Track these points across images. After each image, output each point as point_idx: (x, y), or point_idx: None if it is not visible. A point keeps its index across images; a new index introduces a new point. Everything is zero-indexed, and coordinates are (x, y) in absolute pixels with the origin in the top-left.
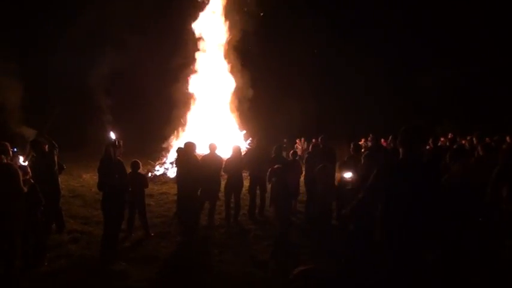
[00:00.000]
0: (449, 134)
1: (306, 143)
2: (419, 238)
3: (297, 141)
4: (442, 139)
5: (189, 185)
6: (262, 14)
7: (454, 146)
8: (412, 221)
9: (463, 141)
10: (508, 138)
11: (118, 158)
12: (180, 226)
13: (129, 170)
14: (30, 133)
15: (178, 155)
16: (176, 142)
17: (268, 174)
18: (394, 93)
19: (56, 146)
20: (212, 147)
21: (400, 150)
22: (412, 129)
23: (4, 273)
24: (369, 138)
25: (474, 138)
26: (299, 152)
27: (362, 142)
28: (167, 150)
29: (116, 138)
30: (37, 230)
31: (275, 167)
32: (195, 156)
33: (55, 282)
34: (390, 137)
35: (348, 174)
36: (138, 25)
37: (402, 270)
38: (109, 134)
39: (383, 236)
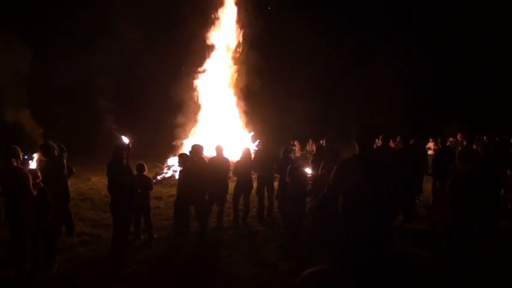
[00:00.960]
0: (458, 135)
1: (314, 144)
2: (375, 227)
3: (293, 142)
4: (451, 139)
5: (187, 189)
6: (269, 8)
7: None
8: (368, 211)
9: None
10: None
11: (126, 161)
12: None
13: (134, 172)
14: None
15: (180, 159)
16: (187, 141)
17: (288, 172)
18: (403, 93)
19: (65, 149)
20: (219, 150)
21: (356, 146)
22: (364, 128)
23: (14, 276)
24: (379, 139)
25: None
26: (298, 154)
27: None
28: (176, 152)
29: (129, 142)
30: (47, 233)
31: (294, 166)
32: (203, 158)
33: (65, 284)
34: (399, 138)
35: (308, 170)
36: (147, 27)
37: (362, 260)
38: (121, 137)
39: (344, 226)
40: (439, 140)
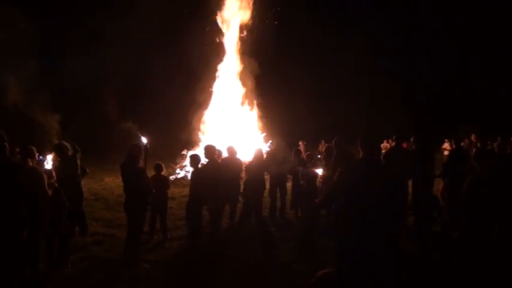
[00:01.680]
0: (472, 136)
1: (326, 145)
2: (376, 228)
3: (299, 143)
4: (466, 140)
5: (199, 189)
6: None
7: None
8: (368, 213)
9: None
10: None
11: (141, 162)
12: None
13: (152, 172)
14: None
15: (191, 160)
16: (202, 138)
17: (300, 174)
18: (416, 93)
19: (79, 150)
20: (231, 150)
21: (361, 152)
22: (371, 136)
23: (28, 275)
24: (392, 139)
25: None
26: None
27: (384, 144)
28: (188, 153)
29: (147, 142)
30: (61, 232)
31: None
32: (215, 159)
33: (79, 284)
34: (412, 138)
35: (319, 171)
36: (160, 28)
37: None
38: (140, 137)
39: (343, 226)
40: (452, 141)
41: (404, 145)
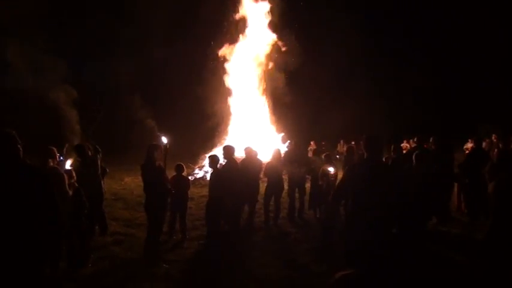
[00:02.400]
0: (493, 136)
1: (345, 145)
2: (380, 224)
3: (311, 143)
4: (487, 140)
5: (218, 190)
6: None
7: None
8: (371, 210)
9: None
10: None
11: (159, 162)
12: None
13: (172, 172)
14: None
15: (210, 160)
16: (225, 137)
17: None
18: (437, 92)
19: (100, 150)
20: (249, 151)
21: (365, 153)
22: (376, 138)
23: (49, 274)
24: (413, 140)
25: None
26: (310, 154)
27: (404, 144)
28: (208, 153)
29: (167, 142)
30: (81, 232)
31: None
32: (234, 159)
33: (99, 283)
34: (432, 139)
35: (331, 169)
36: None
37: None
38: (160, 137)
39: (351, 226)
40: (471, 141)
41: (425, 145)
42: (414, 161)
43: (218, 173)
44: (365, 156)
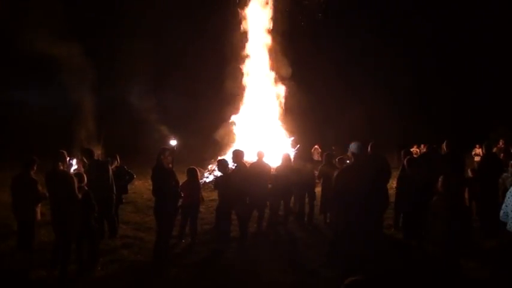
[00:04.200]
0: (501, 141)
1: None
2: (366, 219)
3: (315, 146)
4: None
5: (228, 194)
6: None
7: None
8: (360, 209)
9: None
10: None
11: (169, 165)
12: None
13: (182, 176)
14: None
15: (219, 165)
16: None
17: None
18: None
19: (117, 157)
20: (260, 155)
21: (352, 157)
22: (360, 145)
23: (58, 277)
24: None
25: None
26: (315, 158)
27: (414, 149)
28: (217, 157)
29: (176, 144)
30: (91, 235)
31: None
32: (244, 163)
33: (107, 286)
34: (445, 142)
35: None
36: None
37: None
38: (169, 140)
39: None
40: (478, 146)
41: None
42: (406, 166)
43: (228, 177)
44: (353, 161)
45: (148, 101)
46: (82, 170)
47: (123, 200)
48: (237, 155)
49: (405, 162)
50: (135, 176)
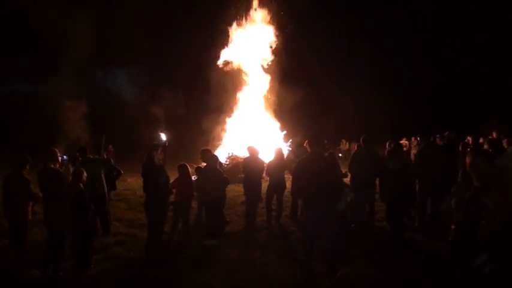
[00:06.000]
0: (494, 133)
1: (347, 144)
2: (325, 207)
3: (307, 141)
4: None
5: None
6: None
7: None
8: (316, 194)
9: None
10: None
11: (160, 161)
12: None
13: (173, 171)
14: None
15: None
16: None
17: None
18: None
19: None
20: (252, 150)
21: (309, 149)
22: (316, 137)
23: (51, 275)
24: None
25: None
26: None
27: (403, 141)
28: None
29: (166, 140)
30: (85, 233)
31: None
32: (215, 166)
33: (101, 283)
34: (447, 134)
35: None
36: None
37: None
38: (160, 134)
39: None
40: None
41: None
42: (387, 157)
43: (220, 171)
44: (310, 151)
45: (143, 96)
46: (71, 167)
47: (116, 197)
48: (209, 157)
49: (386, 153)
50: (122, 172)
